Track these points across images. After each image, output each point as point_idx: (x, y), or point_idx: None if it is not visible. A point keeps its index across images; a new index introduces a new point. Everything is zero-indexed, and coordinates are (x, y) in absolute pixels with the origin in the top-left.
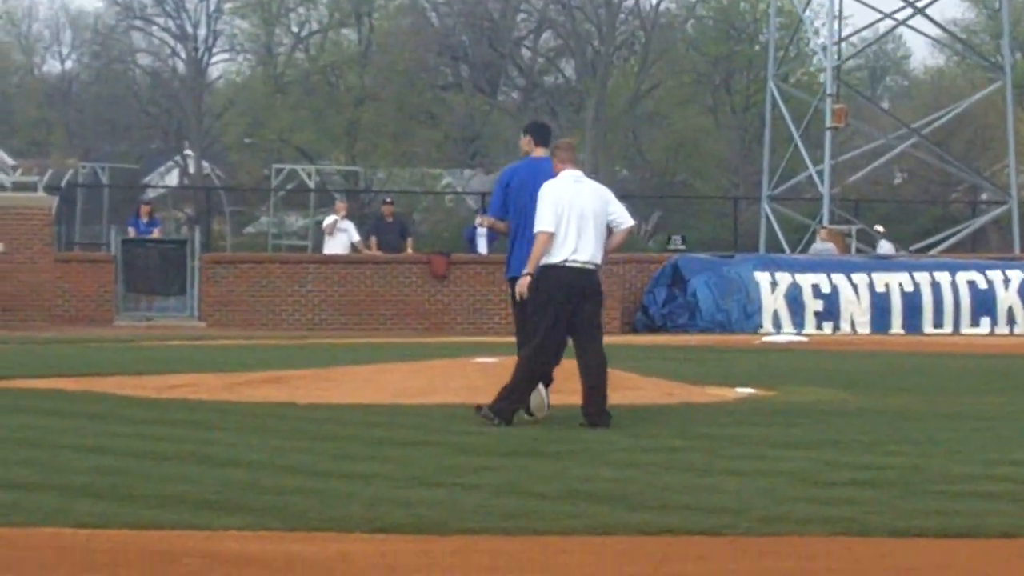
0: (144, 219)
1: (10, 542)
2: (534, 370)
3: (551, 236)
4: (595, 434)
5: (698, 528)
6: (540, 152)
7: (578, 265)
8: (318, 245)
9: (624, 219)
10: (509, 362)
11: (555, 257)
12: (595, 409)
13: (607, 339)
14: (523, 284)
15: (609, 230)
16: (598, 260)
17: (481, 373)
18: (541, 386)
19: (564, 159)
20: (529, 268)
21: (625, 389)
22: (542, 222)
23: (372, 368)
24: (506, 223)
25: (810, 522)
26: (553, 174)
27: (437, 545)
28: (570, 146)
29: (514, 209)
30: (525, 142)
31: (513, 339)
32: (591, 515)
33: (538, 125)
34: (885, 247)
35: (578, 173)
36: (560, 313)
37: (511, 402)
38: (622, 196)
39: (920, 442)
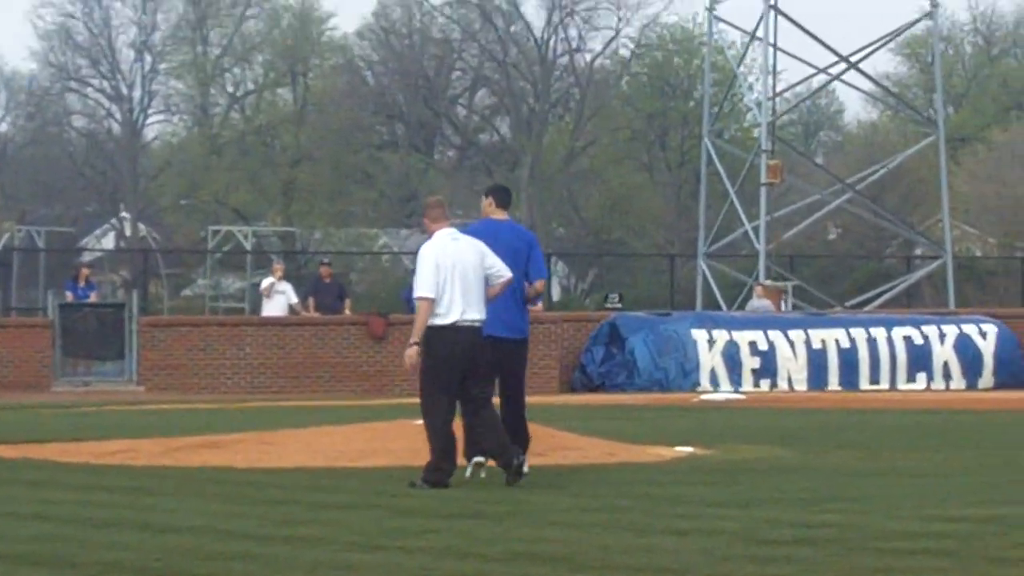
0: (81, 283)
1: None
2: (445, 433)
3: (432, 302)
4: (537, 495)
5: None
6: (500, 215)
7: (468, 324)
8: (256, 307)
9: (502, 271)
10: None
11: (448, 318)
12: (512, 462)
13: (546, 398)
14: (411, 354)
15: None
16: (483, 316)
17: (421, 435)
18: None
19: (436, 217)
20: (415, 338)
21: (566, 449)
22: (422, 288)
23: (312, 431)
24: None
25: None
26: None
27: None
28: (440, 203)
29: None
30: (487, 204)
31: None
32: None
33: (499, 188)
34: (762, 304)
35: (453, 231)
36: (455, 374)
37: (442, 472)
38: (559, 254)
39: (858, 499)
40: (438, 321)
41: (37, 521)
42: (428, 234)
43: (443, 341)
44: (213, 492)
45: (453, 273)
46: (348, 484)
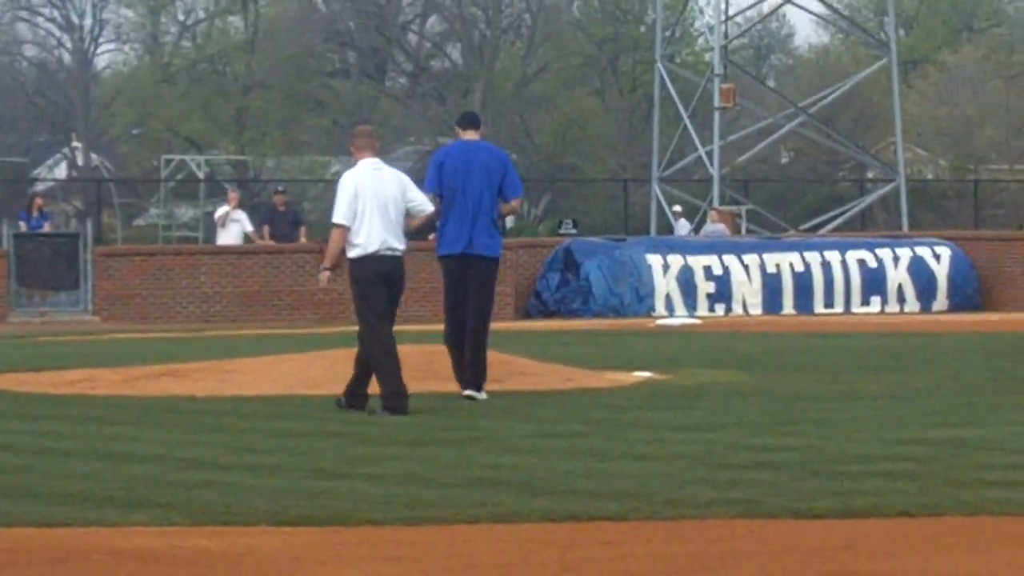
0: (35, 213)
1: None
2: (390, 357)
3: (347, 229)
4: (497, 421)
5: (603, 513)
6: (471, 135)
7: (388, 253)
8: (210, 236)
9: (423, 205)
10: (408, 349)
11: (368, 248)
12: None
13: (502, 324)
14: (322, 279)
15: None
16: (402, 246)
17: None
18: None
19: (362, 146)
20: (327, 263)
21: (523, 375)
22: (338, 215)
23: (270, 359)
24: (436, 199)
25: (712, 504)
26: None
27: (343, 536)
28: (369, 133)
29: (447, 187)
30: (457, 131)
31: (407, 325)
32: (496, 503)
33: (465, 113)
34: (684, 228)
35: (376, 160)
36: (384, 298)
37: (399, 395)
38: None
39: (817, 422)
40: (359, 252)
41: None
42: (354, 162)
43: (366, 270)
44: (173, 421)
45: (373, 203)
46: (308, 412)
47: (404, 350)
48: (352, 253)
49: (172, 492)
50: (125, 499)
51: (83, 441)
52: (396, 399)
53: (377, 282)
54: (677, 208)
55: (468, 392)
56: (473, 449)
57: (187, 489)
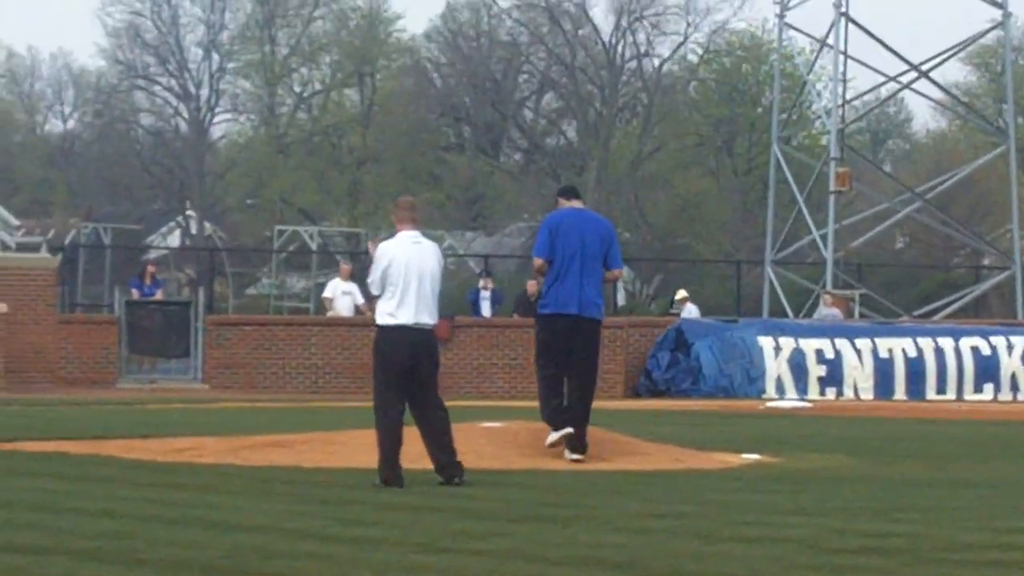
0: (147, 281)
1: None
2: (391, 432)
3: (375, 299)
4: (603, 500)
5: None
6: (576, 204)
7: (416, 326)
8: (320, 307)
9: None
10: (515, 426)
11: (397, 319)
12: (448, 460)
13: (611, 403)
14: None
15: None
16: (433, 321)
17: (486, 437)
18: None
19: (403, 218)
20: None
21: (633, 455)
22: (371, 285)
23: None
24: (545, 265)
25: None
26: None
27: None
28: (411, 205)
29: (560, 252)
30: (560, 203)
31: (518, 403)
32: None
33: (565, 186)
34: (692, 311)
35: (415, 233)
36: (399, 373)
37: (388, 467)
38: (624, 259)
39: (926, 509)
40: (389, 321)
41: (104, 518)
42: (393, 233)
43: (390, 341)
44: (279, 491)
45: (406, 275)
46: (413, 485)
47: (512, 427)
48: (379, 322)
49: (277, 563)
50: (229, 568)
51: (188, 509)
52: (387, 471)
53: (398, 355)
54: (683, 293)
55: (575, 457)
56: (578, 527)
57: (292, 560)
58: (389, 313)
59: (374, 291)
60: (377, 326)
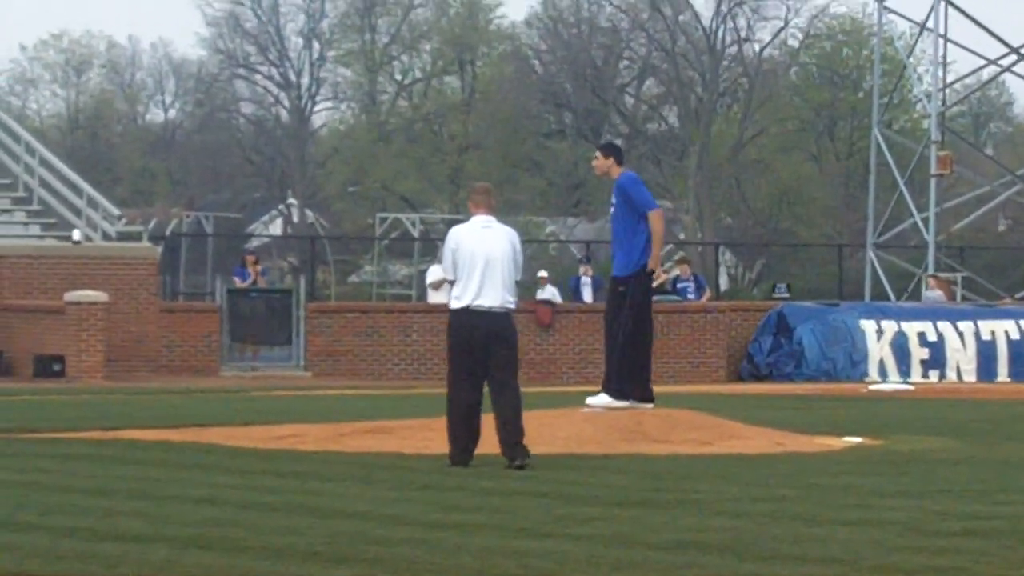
0: (250, 270)
1: None
2: (458, 414)
3: (449, 282)
4: (705, 484)
5: None
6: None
7: (483, 309)
8: (423, 294)
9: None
10: (616, 412)
11: (461, 302)
12: (512, 441)
13: (713, 387)
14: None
15: None
16: (509, 304)
17: (589, 422)
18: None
19: (478, 203)
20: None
21: (733, 439)
22: (444, 269)
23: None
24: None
25: (920, 572)
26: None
27: None
28: (486, 190)
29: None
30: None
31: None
32: (701, 565)
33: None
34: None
35: (488, 218)
36: (468, 356)
37: (455, 447)
38: (726, 243)
39: None
40: (456, 304)
41: (205, 505)
42: (469, 217)
43: (457, 324)
44: (380, 478)
45: (474, 258)
46: (515, 471)
47: (612, 412)
48: (451, 305)
49: (377, 549)
50: (329, 554)
51: (289, 496)
52: (454, 451)
53: (467, 338)
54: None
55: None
56: (680, 511)
57: (392, 546)
58: (456, 296)
59: (448, 276)
60: (449, 310)
